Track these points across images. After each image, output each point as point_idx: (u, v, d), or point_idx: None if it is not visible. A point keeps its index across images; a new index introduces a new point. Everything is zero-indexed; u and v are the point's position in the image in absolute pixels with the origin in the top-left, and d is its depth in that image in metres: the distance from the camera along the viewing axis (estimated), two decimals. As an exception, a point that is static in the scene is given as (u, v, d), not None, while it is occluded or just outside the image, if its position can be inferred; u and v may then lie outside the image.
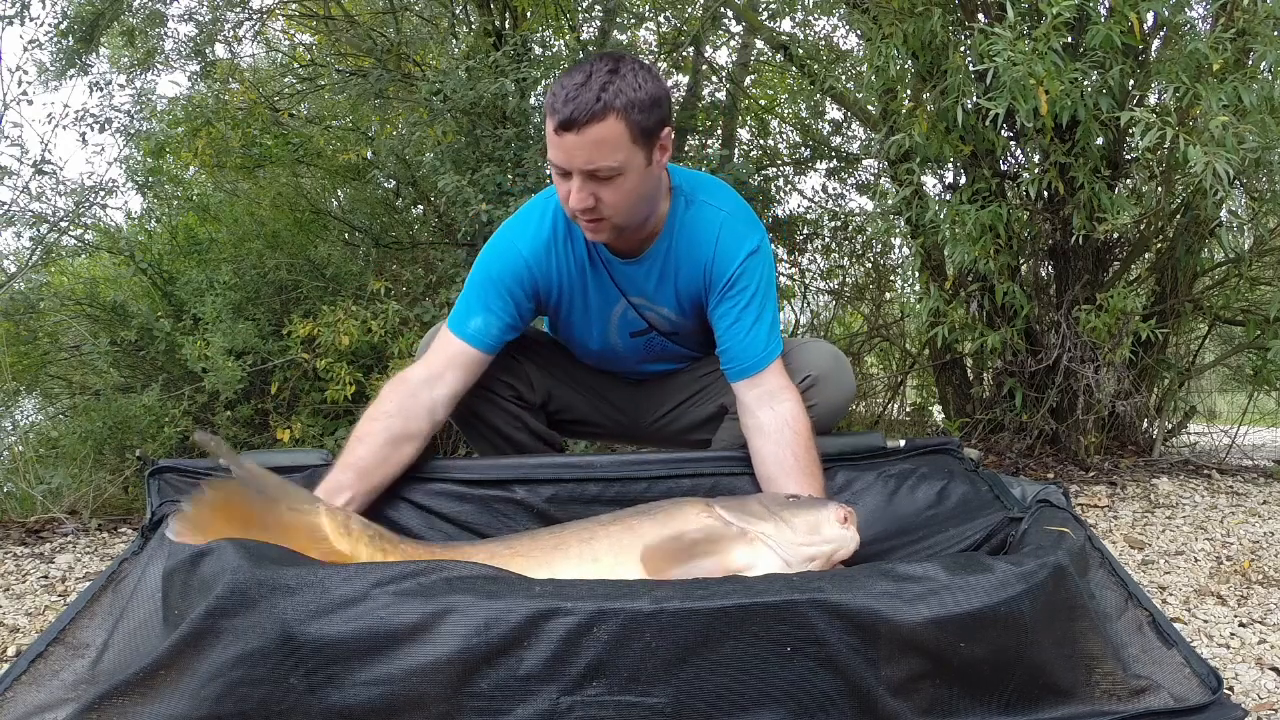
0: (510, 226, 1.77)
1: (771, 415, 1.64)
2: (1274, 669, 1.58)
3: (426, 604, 1.00)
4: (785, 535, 1.36)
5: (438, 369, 1.67)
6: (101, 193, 4.56)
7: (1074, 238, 3.25)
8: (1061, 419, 3.64)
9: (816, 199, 6.02)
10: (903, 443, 1.81)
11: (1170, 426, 4.11)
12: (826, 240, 5.63)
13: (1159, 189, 3.50)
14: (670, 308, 1.79)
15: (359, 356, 3.78)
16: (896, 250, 5.39)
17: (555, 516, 1.67)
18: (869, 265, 5.73)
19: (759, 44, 5.83)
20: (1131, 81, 3.08)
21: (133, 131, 4.93)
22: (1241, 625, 1.82)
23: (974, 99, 3.07)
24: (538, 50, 4.55)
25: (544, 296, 1.77)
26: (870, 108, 4.81)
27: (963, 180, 3.69)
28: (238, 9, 5.11)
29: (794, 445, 1.61)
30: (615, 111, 1.46)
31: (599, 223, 1.57)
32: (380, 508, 1.60)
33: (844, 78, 4.88)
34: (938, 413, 5.03)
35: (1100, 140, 3.24)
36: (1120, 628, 1.20)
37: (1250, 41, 2.85)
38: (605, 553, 1.37)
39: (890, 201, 3.80)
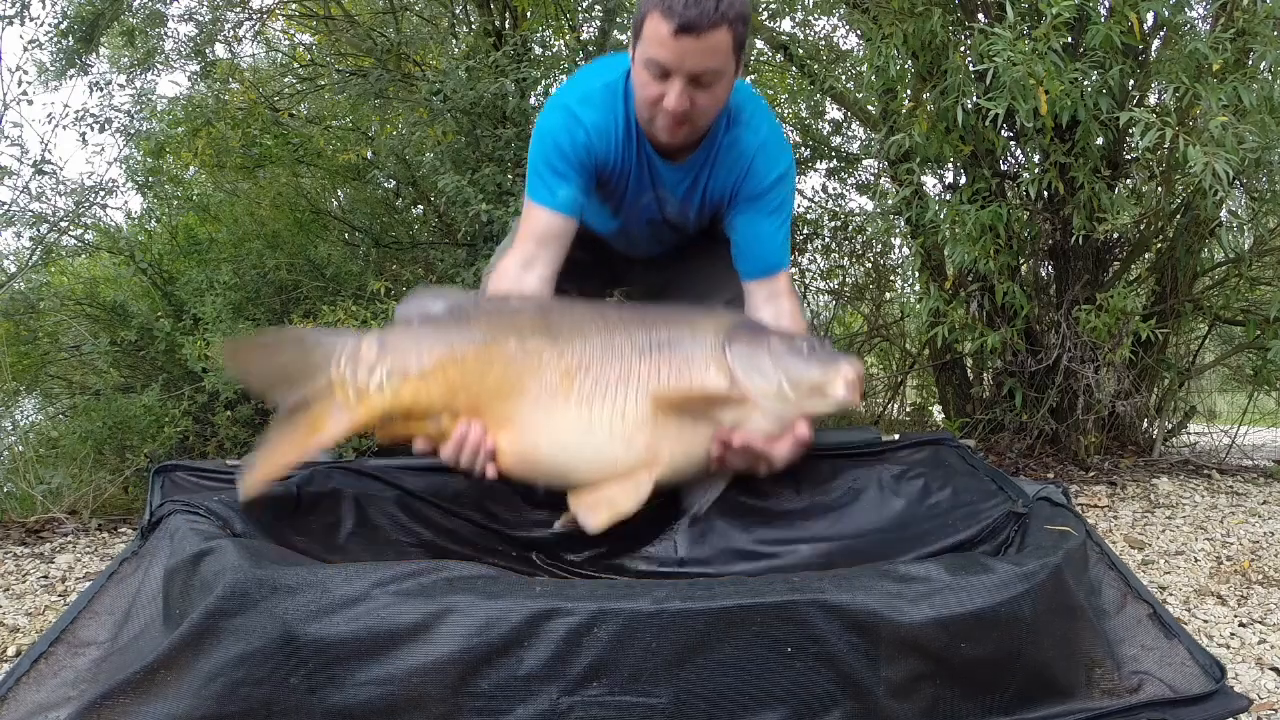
0: (573, 103, 1.76)
1: (773, 311, 1.75)
2: (1274, 669, 1.58)
3: (427, 604, 1.00)
4: (785, 405, 1.49)
5: (531, 250, 1.72)
6: (101, 193, 4.57)
7: (1074, 238, 3.25)
8: (1061, 419, 3.64)
9: (816, 199, 6.01)
10: (897, 436, 1.81)
11: (1170, 426, 4.10)
12: (826, 240, 5.62)
13: (1159, 189, 3.50)
14: (692, 210, 1.85)
15: (359, 356, 3.78)
16: (896, 250, 5.40)
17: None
18: (869, 265, 5.72)
19: (759, 44, 5.82)
20: (1131, 81, 3.09)
21: (133, 131, 4.92)
22: (1241, 625, 1.82)
23: (974, 99, 3.07)
24: (538, 50, 4.55)
25: (600, 174, 1.79)
26: (870, 108, 4.81)
27: (963, 180, 3.68)
28: (238, 9, 5.10)
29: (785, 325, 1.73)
30: (729, 22, 1.54)
31: (683, 126, 1.64)
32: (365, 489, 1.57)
33: (844, 78, 4.88)
34: (938, 413, 5.03)
35: (1100, 140, 3.23)
36: (1121, 622, 1.20)
37: (1250, 41, 2.85)
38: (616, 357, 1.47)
39: (890, 201, 3.80)
